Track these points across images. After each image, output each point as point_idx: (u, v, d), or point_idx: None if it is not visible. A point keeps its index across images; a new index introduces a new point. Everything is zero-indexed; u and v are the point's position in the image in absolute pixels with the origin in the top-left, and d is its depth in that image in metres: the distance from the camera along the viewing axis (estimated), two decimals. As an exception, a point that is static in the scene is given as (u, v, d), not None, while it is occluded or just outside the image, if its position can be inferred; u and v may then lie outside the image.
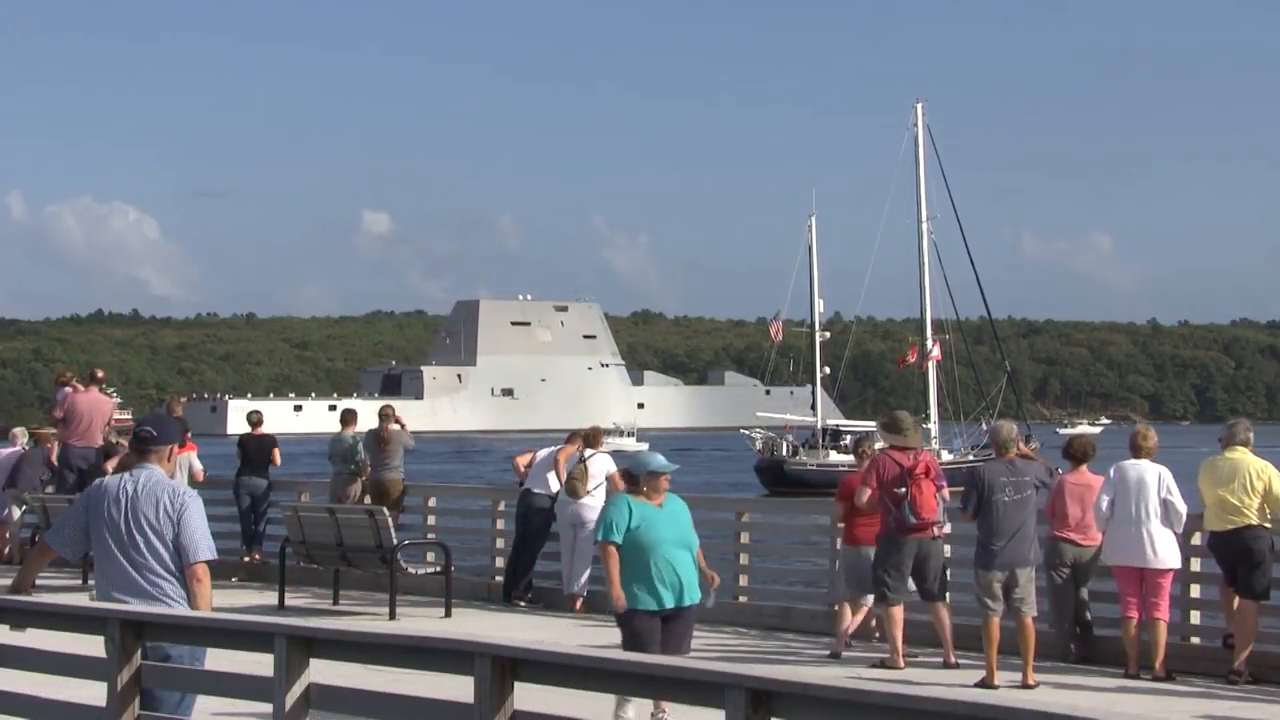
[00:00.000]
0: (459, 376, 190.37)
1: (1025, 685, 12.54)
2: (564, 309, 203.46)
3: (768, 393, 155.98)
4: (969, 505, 12.98)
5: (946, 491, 13.67)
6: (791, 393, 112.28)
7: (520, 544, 18.00)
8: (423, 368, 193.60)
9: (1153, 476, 13.01)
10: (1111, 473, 13.16)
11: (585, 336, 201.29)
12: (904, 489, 13.34)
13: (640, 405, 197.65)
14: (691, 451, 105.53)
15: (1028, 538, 12.91)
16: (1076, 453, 13.85)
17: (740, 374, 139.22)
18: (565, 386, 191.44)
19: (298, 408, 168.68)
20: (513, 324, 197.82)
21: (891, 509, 13.44)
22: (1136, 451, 13.20)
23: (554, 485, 17.81)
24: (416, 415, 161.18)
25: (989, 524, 12.83)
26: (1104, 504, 13.06)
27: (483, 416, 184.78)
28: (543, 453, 18.27)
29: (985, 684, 12.59)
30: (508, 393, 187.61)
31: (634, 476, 10.47)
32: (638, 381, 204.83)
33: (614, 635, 15.14)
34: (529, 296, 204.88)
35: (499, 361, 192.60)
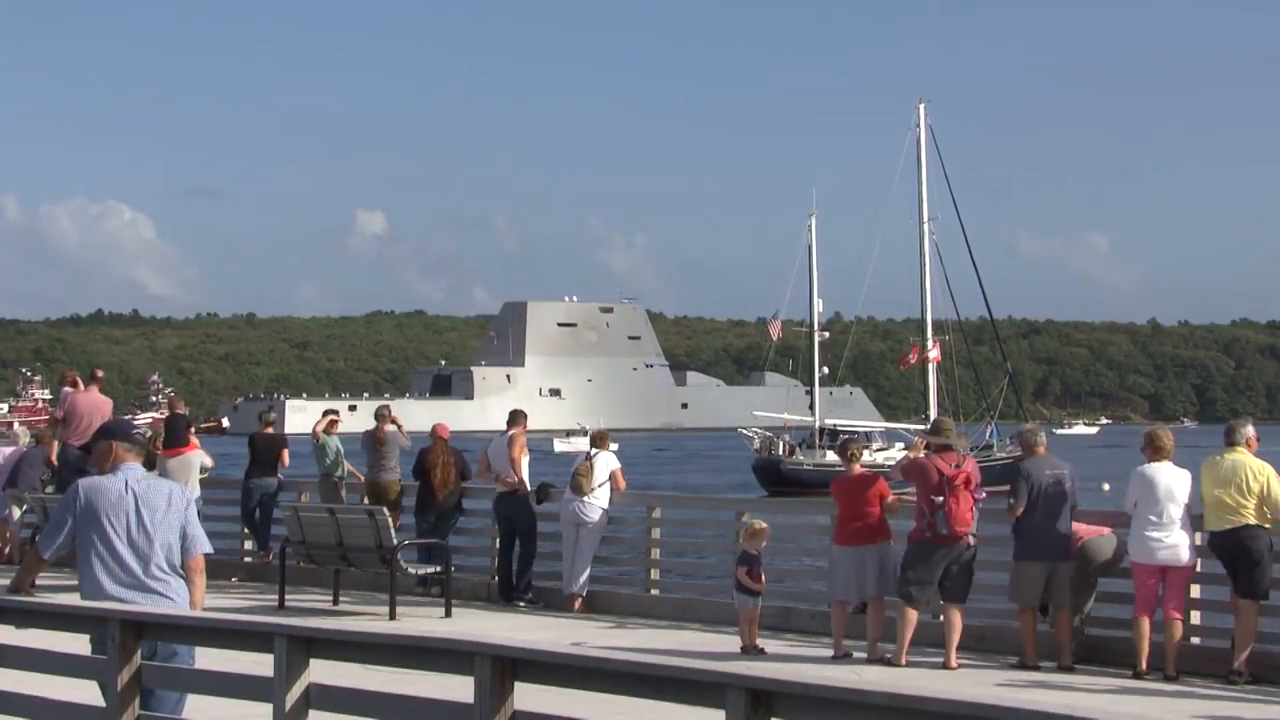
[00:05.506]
0: (508, 377, 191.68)
1: (1063, 668, 13.04)
2: (609, 310, 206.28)
3: (808, 393, 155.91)
4: (1018, 500, 13.30)
5: (983, 493, 13.69)
6: (830, 393, 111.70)
7: (508, 545, 17.96)
8: (472, 368, 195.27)
9: (1176, 478, 13.05)
10: (1135, 476, 13.22)
11: (630, 337, 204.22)
12: (942, 498, 13.39)
13: (684, 405, 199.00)
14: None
15: (1067, 532, 13.32)
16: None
17: (781, 374, 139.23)
18: (611, 387, 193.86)
19: (352, 407, 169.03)
20: (559, 325, 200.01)
21: (926, 514, 13.50)
22: (1157, 453, 13.19)
23: (517, 474, 17.77)
24: (468, 415, 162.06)
25: (1032, 518, 13.25)
26: (1130, 505, 13.17)
27: (531, 417, 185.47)
28: (492, 450, 18.15)
29: (1024, 664, 13.16)
30: (555, 393, 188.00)
31: None
32: (681, 382, 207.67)
33: (614, 635, 15.19)
34: (575, 298, 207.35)
35: (546, 362, 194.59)
